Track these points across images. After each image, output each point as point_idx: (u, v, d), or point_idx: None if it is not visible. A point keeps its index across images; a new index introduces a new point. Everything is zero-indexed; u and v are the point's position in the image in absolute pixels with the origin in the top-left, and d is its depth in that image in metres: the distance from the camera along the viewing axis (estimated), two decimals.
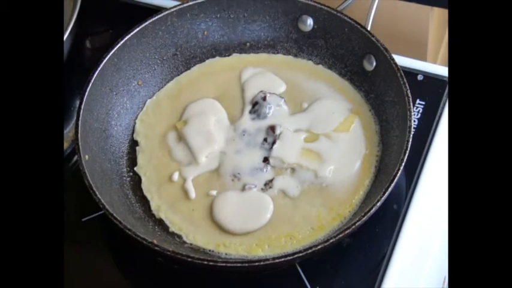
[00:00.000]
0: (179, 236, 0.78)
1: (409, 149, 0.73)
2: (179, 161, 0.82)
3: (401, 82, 0.78)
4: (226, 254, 0.76)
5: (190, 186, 0.80)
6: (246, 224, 0.77)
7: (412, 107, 0.76)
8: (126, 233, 0.71)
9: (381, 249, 0.76)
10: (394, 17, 1.07)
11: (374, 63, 0.83)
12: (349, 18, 0.84)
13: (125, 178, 0.83)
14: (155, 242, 0.70)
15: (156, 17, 0.87)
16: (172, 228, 0.78)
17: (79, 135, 0.78)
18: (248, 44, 0.92)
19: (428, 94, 0.86)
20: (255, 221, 0.77)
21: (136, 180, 0.83)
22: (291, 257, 0.69)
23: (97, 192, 0.73)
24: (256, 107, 0.85)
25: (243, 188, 0.79)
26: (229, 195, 0.79)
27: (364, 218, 0.70)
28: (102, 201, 0.73)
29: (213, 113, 0.85)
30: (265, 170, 0.80)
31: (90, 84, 0.81)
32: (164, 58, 0.90)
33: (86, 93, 0.81)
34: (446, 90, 0.86)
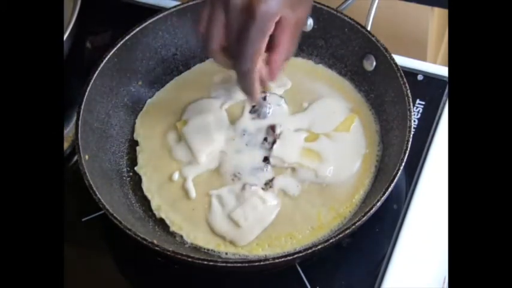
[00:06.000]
0: (179, 236, 0.78)
1: (409, 149, 0.73)
2: (179, 161, 0.82)
3: (401, 82, 0.78)
4: (226, 253, 0.76)
5: (190, 185, 0.80)
6: (253, 233, 0.77)
7: (412, 106, 0.76)
8: (126, 233, 0.71)
9: (381, 249, 0.76)
10: (394, 17, 1.07)
11: (374, 63, 0.83)
12: (349, 18, 0.84)
13: (124, 178, 0.83)
14: (155, 242, 0.70)
15: (156, 17, 0.87)
16: (172, 228, 0.78)
17: (79, 135, 0.78)
18: None
19: (428, 94, 0.86)
20: (260, 226, 0.77)
21: (137, 180, 0.83)
22: (291, 257, 0.69)
23: (97, 192, 0.73)
24: (257, 106, 0.84)
25: (243, 188, 0.79)
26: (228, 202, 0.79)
27: (364, 218, 0.70)
28: (102, 201, 0.73)
29: (213, 113, 0.85)
30: (265, 169, 0.80)
31: (90, 84, 0.81)
32: (164, 58, 0.90)
33: (86, 93, 0.81)
34: (446, 90, 0.86)
